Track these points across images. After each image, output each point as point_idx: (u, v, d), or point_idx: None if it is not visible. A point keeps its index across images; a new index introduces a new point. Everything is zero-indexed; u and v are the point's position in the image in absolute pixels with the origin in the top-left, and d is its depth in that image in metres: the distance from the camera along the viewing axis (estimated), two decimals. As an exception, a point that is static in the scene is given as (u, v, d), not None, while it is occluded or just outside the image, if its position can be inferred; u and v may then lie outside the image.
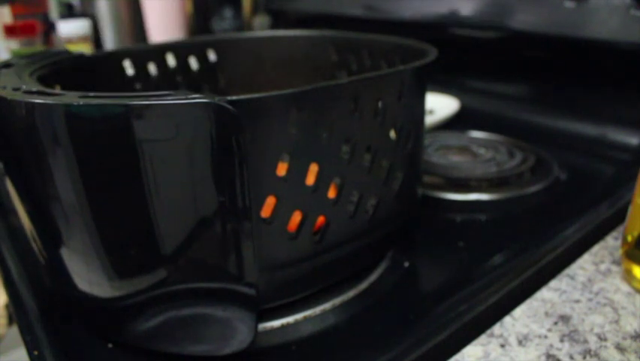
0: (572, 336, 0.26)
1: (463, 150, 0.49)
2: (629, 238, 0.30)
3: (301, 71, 0.46)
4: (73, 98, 0.19)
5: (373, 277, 0.31)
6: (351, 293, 0.29)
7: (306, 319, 0.27)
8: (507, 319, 0.28)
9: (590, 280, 0.31)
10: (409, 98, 0.28)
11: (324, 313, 0.28)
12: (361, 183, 0.27)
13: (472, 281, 0.30)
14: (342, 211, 0.26)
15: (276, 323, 0.27)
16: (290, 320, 0.27)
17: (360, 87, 0.25)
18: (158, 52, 0.42)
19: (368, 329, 0.27)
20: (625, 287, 0.30)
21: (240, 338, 0.23)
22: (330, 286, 0.29)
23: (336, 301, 0.29)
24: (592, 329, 0.27)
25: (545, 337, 0.26)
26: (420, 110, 0.31)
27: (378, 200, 0.28)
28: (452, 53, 0.65)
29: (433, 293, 0.30)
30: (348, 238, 0.27)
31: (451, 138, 0.52)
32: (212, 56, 0.45)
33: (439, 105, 0.60)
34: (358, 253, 0.29)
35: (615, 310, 0.28)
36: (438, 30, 0.63)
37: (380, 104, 0.26)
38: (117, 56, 0.39)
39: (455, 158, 0.47)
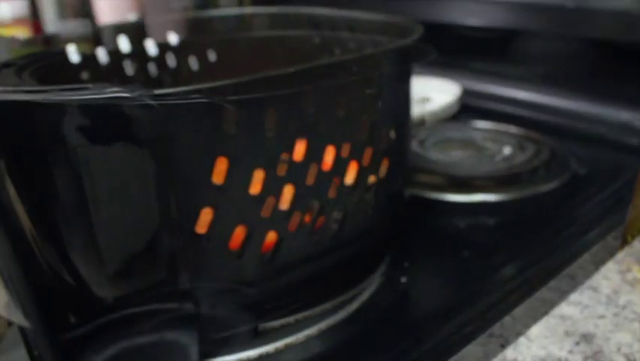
0: (596, 358, 0.26)
1: (466, 143, 0.49)
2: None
3: (277, 56, 0.45)
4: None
5: (365, 295, 0.31)
6: (339, 316, 0.29)
7: (288, 347, 0.27)
8: (521, 340, 0.28)
9: (615, 292, 0.31)
10: (385, 86, 0.28)
11: (308, 340, 0.28)
12: (321, 192, 0.26)
13: (479, 298, 0.30)
14: (297, 226, 0.25)
15: (253, 353, 0.27)
16: (269, 348, 0.27)
17: (315, 76, 0.24)
18: (108, 34, 0.41)
19: (359, 358, 0.27)
20: (655, 299, 0.30)
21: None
22: (315, 308, 0.29)
23: (323, 325, 0.28)
24: (619, 349, 0.27)
25: (566, 360, 0.26)
26: (402, 101, 0.30)
27: (345, 212, 0.27)
28: (453, 31, 0.65)
29: (434, 314, 0.29)
30: (308, 258, 0.27)
31: (452, 130, 0.52)
32: (172, 38, 0.45)
33: (437, 91, 0.60)
34: (325, 276, 0.28)
35: (645, 326, 0.28)
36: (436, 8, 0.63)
37: (344, 96, 0.25)
38: (60, 40, 0.39)
39: (457, 153, 0.47)
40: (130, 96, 0.18)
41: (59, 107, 0.18)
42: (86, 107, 0.18)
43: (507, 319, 0.28)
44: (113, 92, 0.18)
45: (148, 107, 0.19)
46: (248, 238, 0.24)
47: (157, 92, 0.19)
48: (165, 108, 0.19)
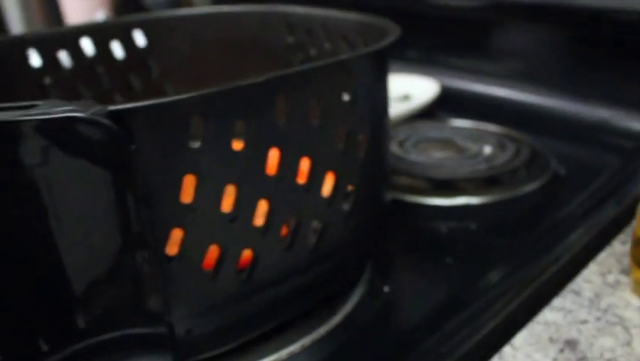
0: (580, 365, 0.26)
1: (447, 143, 0.49)
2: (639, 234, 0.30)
3: (251, 57, 0.44)
4: None
5: (348, 307, 0.30)
6: (322, 330, 0.28)
7: (269, 366, 0.27)
8: (506, 349, 0.28)
9: (597, 295, 0.31)
10: (361, 91, 0.27)
11: (291, 357, 0.27)
12: (297, 206, 0.25)
13: (463, 306, 0.29)
14: (274, 242, 0.25)
15: (233, 374, 0.26)
16: (250, 367, 0.27)
17: (286, 85, 0.23)
18: (71, 36, 0.40)
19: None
20: (636, 301, 0.30)
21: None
22: (297, 323, 0.28)
23: (306, 341, 0.28)
24: (602, 355, 0.27)
25: (551, 368, 0.26)
26: (379, 105, 0.30)
27: (323, 225, 0.27)
28: (429, 26, 0.64)
29: (419, 323, 0.29)
30: (287, 273, 0.26)
31: (432, 129, 0.52)
32: (140, 39, 0.43)
33: (416, 90, 0.60)
34: (305, 291, 0.28)
35: (626, 329, 0.28)
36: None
37: (318, 103, 0.25)
38: (20, 43, 0.37)
39: (437, 154, 0.47)
40: (81, 116, 0.17)
41: (13, 126, 0.17)
42: (39, 126, 0.17)
43: (506, 349, 0.27)
44: (63, 111, 0.17)
45: (103, 125, 0.18)
46: (222, 258, 0.23)
47: (112, 108, 0.18)
48: (123, 126, 0.18)
